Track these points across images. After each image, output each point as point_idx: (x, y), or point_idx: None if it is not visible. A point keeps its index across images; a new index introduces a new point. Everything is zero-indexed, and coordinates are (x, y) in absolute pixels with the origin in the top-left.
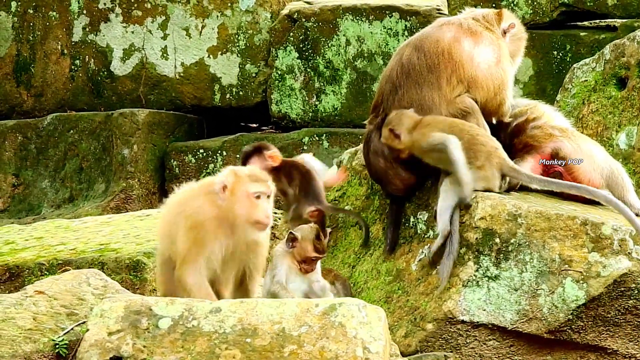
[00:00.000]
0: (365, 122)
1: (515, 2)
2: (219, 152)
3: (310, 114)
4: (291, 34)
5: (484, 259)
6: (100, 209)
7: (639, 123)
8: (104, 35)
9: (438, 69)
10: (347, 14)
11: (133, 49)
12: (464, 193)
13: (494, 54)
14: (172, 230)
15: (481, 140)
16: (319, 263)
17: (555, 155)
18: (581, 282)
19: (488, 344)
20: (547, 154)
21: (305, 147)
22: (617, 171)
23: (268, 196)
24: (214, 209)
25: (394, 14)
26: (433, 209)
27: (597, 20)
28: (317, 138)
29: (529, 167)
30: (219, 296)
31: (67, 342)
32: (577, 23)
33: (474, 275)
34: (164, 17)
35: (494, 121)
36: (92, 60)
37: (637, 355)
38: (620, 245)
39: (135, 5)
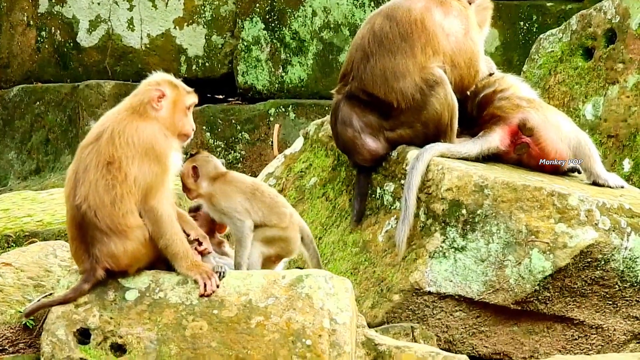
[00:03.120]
0: (333, 91)
1: None
2: None
3: (277, 85)
4: (257, 4)
5: (450, 230)
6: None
7: (606, 94)
8: (70, 7)
9: (412, 37)
10: None
11: (99, 20)
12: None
13: (463, 25)
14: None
15: (282, 202)
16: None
17: (522, 126)
18: (548, 253)
19: (455, 315)
20: (515, 125)
21: (271, 119)
22: (584, 141)
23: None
24: (158, 125)
25: None
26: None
27: None
28: (283, 109)
29: (497, 138)
30: None
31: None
32: None
33: (441, 246)
34: None
35: (469, 93)
36: (58, 31)
37: (604, 326)
38: (586, 216)
39: None
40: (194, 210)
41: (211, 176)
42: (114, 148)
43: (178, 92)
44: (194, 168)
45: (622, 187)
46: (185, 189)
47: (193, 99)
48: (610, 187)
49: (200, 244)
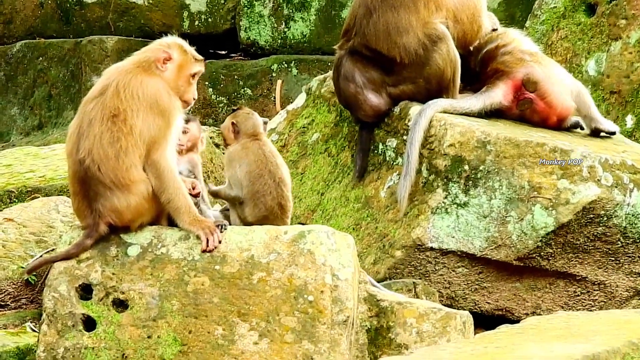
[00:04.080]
0: (335, 47)
1: None
2: None
3: (279, 41)
4: None
5: (452, 186)
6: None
7: (608, 50)
8: None
9: None
10: None
11: None
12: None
13: None
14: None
15: (270, 204)
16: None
17: (526, 81)
18: (550, 209)
19: (457, 271)
20: (518, 80)
21: (274, 75)
22: (583, 91)
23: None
24: (162, 82)
25: None
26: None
27: None
28: (286, 65)
29: (500, 94)
30: None
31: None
32: None
33: (443, 202)
34: None
35: (472, 49)
36: None
37: (606, 282)
38: (589, 172)
39: None
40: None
41: (249, 134)
42: (119, 100)
43: (186, 57)
44: (233, 124)
45: (615, 133)
46: (225, 144)
47: (199, 67)
48: (609, 131)
49: (193, 188)
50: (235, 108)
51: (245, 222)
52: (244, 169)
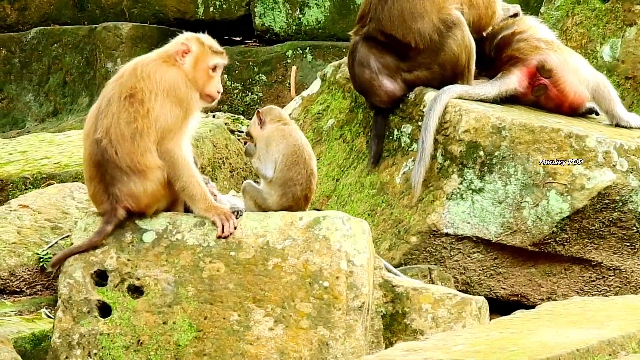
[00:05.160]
0: (350, 33)
1: None
2: None
3: (294, 27)
4: None
5: (468, 171)
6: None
7: (623, 35)
8: None
9: None
10: None
11: None
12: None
13: None
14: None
15: (297, 194)
16: None
17: (540, 67)
18: (565, 194)
19: (472, 256)
20: (533, 66)
21: (289, 61)
22: (603, 84)
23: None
24: (182, 73)
25: None
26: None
27: None
28: (300, 51)
29: (515, 80)
30: None
31: (51, 255)
32: None
33: (458, 188)
34: None
35: (485, 34)
36: None
37: (622, 267)
38: (604, 158)
39: None
40: None
41: (275, 120)
42: (136, 80)
43: (203, 49)
44: (258, 112)
45: None
46: (252, 140)
47: (218, 59)
48: (632, 127)
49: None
50: (259, 110)
51: (266, 211)
52: (281, 150)
